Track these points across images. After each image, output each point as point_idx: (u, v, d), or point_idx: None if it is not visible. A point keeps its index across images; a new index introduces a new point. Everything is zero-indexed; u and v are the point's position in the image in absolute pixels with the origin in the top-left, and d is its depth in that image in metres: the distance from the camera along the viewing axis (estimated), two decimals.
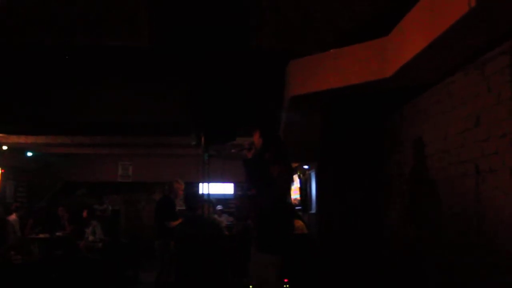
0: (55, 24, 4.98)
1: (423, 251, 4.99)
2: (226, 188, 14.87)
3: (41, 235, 9.44)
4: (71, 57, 5.99)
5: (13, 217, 9.72)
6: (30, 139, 10.98)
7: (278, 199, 3.96)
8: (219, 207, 12.64)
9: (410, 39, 4.15)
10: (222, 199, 13.88)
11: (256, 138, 4.24)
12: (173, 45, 4.60)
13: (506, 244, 3.60)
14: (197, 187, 7.98)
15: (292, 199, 12.88)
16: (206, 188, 6.20)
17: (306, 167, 9.82)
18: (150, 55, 5.55)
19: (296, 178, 12.89)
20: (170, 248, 6.78)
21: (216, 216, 11.55)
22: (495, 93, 3.77)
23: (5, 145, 11.26)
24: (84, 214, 10.04)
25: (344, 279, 6.20)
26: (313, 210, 9.09)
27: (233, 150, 5.06)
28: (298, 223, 7.78)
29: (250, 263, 4.18)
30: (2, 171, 11.85)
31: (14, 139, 10.88)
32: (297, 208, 10.07)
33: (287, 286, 5.45)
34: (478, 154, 4.00)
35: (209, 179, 6.07)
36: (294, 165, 12.86)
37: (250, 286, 4.97)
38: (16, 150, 12.09)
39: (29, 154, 12.79)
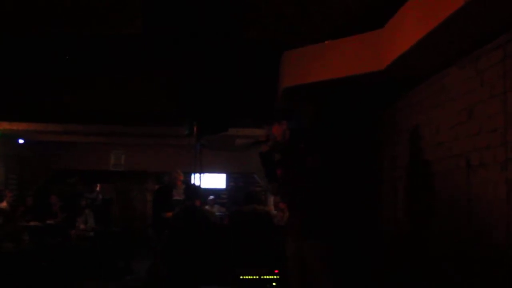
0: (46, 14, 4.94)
1: (417, 243, 5.01)
2: (218, 182, 14.91)
3: (32, 223, 9.41)
4: (64, 46, 5.95)
5: (3, 204, 9.69)
6: (22, 126, 10.91)
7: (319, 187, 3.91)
8: (211, 197, 12.65)
9: (405, 32, 4.15)
10: (214, 191, 13.92)
11: (276, 130, 4.14)
12: (166, 33, 4.57)
13: (494, 237, 3.62)
14: (189, 177, 7.98)
15: None
16: (198, 178, 6.20)
17: None
18: (143, 44, 5.51)
19: None
20: (163, 238, 6.78)
21: (208, 207, 11.57)
22: (488, 88, 3.77)
23: None
24: (83, 202, 10.07)
25: (337, 269, 6.22)
26: None
27: (239, 141, 4.91)
28: None
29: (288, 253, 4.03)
30: None
31: (6, 125, 10.81)
32: None
33: (278, 277, 5.47)
34: (469, 148, 4.01)
35: (201, 169, 6.06)
36: None
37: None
38: (8, 137, 12.02)
39: (21, 141, 12.71)
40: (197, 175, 5.99)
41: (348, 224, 6.04)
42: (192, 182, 7.27)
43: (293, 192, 3.97)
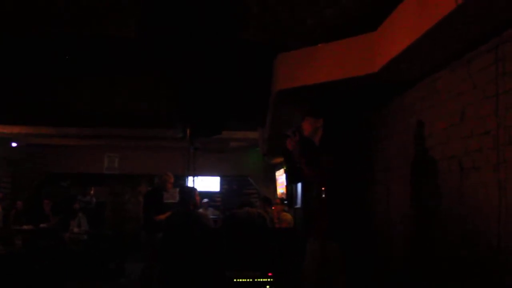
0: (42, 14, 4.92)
1: (413, 245, 5.02)
2: (211, 184, 14.90)
3: (25, 227, 9.37)
4: (58, 47, 5.93)
5: None
6: (15, 129, 10.89)
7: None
8: (205, 200, 12.64)
9: (397, 34, 4.17)
10: (209, 194, 13.91)
11: (307, 125, 4.02)
12: (160, 36, 4.58)
13: (486, 239, 3.64)
14: (183, 180, 7.97)
15: (279, 194, 12.93)
16: (192, 181, 6.19)
17: None
18: (137, 48, 5.50)
19: (282, 173, 12.82)
20: (156, 241, 6.75)
21: (201, 210, 11.56)
22: (480, 90, 3.80)
23: None
24: (76, 205, 10.04)
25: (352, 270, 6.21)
26: (298, 205, 9.08)
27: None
28: (286, 216, 7.82)
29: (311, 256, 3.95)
30: None
31: None
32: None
33: (271, 280, 5.47)
34: (462, 151, 4.03)
35: (194, 172, 6.07)
36: (280, 160, 12.88)
37: None
38: (1, 140, 11.98)
39: (14, 144, 12.67)
40: (191, 178, 5.99)
41: (354, 226, 6.05)
42: (187, 184, 7.26)
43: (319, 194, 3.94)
